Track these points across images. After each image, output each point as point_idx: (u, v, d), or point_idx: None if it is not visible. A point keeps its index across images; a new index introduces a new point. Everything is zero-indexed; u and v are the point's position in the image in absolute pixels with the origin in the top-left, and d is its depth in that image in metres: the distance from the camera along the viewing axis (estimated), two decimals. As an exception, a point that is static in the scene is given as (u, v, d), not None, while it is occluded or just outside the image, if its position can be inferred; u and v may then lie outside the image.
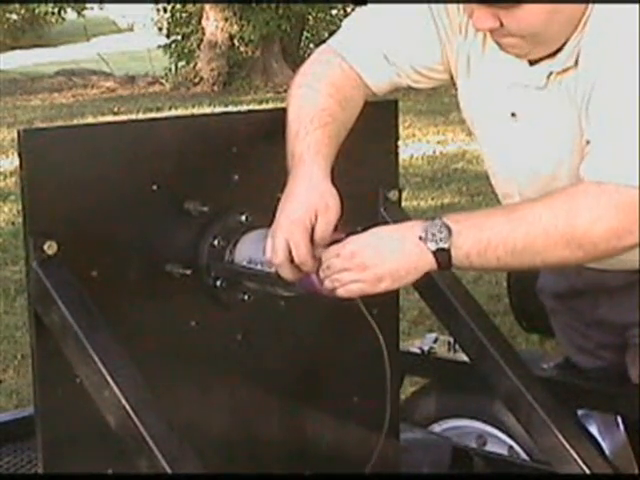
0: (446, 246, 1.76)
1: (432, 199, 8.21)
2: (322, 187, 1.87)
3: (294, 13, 17.70)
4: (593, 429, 2.46)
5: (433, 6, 2.02)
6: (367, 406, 2.21)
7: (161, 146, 1.89)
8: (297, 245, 1.81)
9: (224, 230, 1.94)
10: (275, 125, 1.96)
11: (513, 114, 2.01)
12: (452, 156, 10.13)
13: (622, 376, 2.34)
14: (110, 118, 13.40)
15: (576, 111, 1.89)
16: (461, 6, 1.95)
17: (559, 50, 1.90)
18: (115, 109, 14.91)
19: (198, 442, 1.71)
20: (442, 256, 1.77)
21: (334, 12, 19.28)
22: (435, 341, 2.73)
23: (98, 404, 1.68)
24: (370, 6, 2.12)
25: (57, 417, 1.79)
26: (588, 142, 1.82)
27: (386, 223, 2.14)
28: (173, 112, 13.86)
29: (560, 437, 2.00)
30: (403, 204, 2.23)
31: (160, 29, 20.84)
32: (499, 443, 2.66)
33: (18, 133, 1.73)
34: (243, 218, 1.95)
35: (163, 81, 18.35)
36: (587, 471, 1.97)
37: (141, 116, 13.18)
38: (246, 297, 1.98)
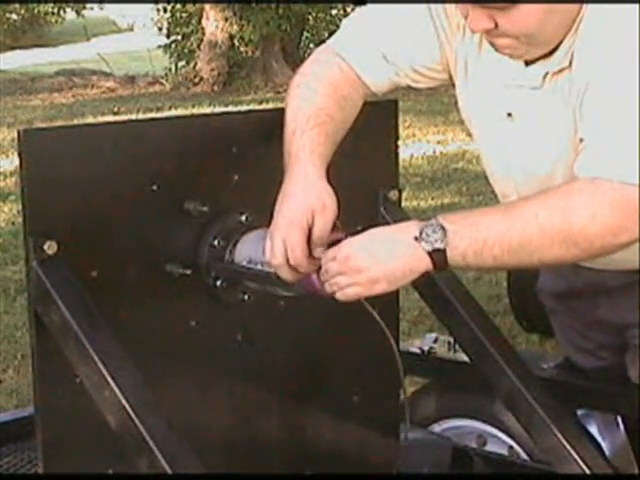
0: (442, 247, 1.75)
1: (432, 199, 8.21)
2: (318, 186, 1.86)
3: (294, 13, 17.69)
4: (593, 429, 2.47)
5: (432, 6, 2.02)
6: (367, 406, 2.21)
7: (161, 146, 1.89)
8: (293, 248, 1.81)
9: (224, 230, 1.94)
10: (275, 125, 1.96)
11: (509, 114, 2.01)
12: (452, 156, 10.13)
13: (622, 376, 2.34)
14: (110, 118, 13.40)
15: (571, 111, 1.89)
16: (458, 6, 1.95)
17: (554, 51, 1.90)
18: (115, 109, 14.91)
19: (198, 442, 1.71)
20: (438, 257, 1.76)
21: (334, 12, 19.28)
22: (435, 341, 2.73)
23: (98, 404, 1.68)
24: (369, 6, 2.12)
25: (57, 417, 1.79)
26: (582, 140, 1.82)
27: (386, 223, 2.14)
28: (173, 112, 13.85)
29: (560, 437, 2.00)
30: (403, 204, 2.23)
31: (160, 29, 20.83)
32: (499, 443, 2.66)
33: (18, 133, 1.73)
34: (243, 218, 1.95)
35: (163, 81, 18.34)
36: (587, 471, 1.97)
37: (141, 116, 13.17)
38: (246, 297, 1.98)
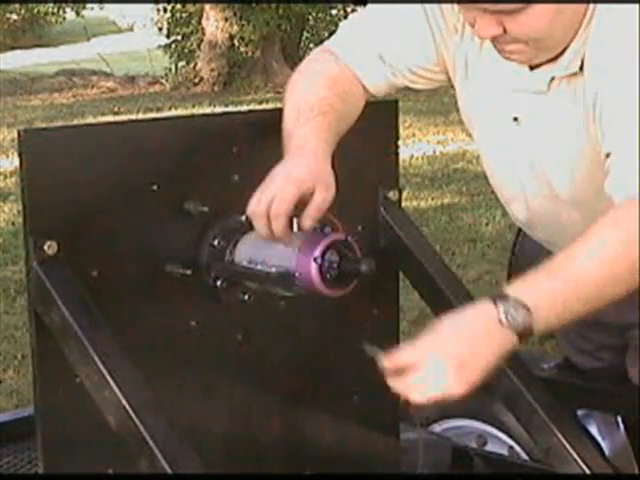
0: (529, 325, 1.69)
1: (432, 199, 8.21)
2: (327, 166, 1.86)
3: (294, 13, 17.69)
4: (593, 429, 2.47)
5: (427, 7, 2.01)
6: (367, 406, 2.21)
7: (161, 146, 1.89)
8: (284, 198, 1.78)
9: (224, 230, 1.94)
10: (275, 125, 1.96)
11: (515, 118, 2.00)
12: (452, 156, 10.13)
13: (622, 376, 2.34)
14: (110, 118, 13.39)
15: (582, 116, 1.88)
16: (455, 7, 1.94)
17: (560, 55, 1.89)
18: (115, 109, 14.90)
19: (198, 442, 1.71)
20: (525, 332, 1.70)
21: (334, 12, 19.28)
22: (435, 341, 2.72)
23: (98, 404, 1.68)
24: (368, 7, 2.12)
25: (57, 417, 1.79)
26: (607, 155, 1.78)
27: (386, 223, 2.15)
28: (173, 112, 13.85)
29: (560, 437, 2.00)
30: (403, 204, 2.23)
31: (160, 29, 20.81)
32: (499, 443, 2.66)
33: (18, 133, 1.73)
34: (243, 218, 1.94)
35: (163, 81, 18.33)
36: (587, 471, 1.97)
37: (141, 116, 13.17)
38: (246, 297, 1.98)
